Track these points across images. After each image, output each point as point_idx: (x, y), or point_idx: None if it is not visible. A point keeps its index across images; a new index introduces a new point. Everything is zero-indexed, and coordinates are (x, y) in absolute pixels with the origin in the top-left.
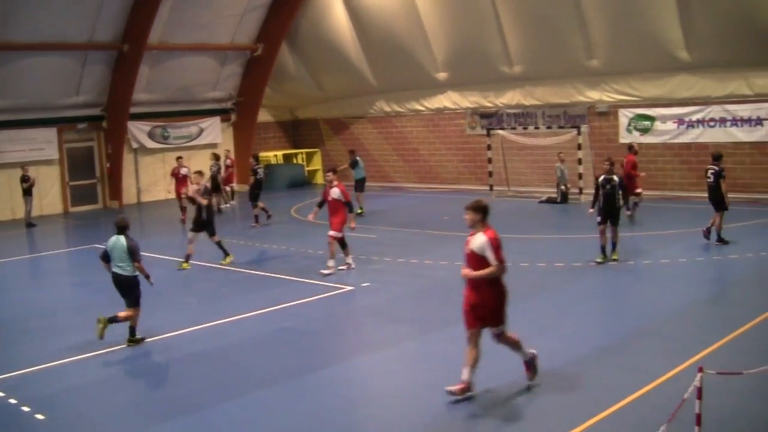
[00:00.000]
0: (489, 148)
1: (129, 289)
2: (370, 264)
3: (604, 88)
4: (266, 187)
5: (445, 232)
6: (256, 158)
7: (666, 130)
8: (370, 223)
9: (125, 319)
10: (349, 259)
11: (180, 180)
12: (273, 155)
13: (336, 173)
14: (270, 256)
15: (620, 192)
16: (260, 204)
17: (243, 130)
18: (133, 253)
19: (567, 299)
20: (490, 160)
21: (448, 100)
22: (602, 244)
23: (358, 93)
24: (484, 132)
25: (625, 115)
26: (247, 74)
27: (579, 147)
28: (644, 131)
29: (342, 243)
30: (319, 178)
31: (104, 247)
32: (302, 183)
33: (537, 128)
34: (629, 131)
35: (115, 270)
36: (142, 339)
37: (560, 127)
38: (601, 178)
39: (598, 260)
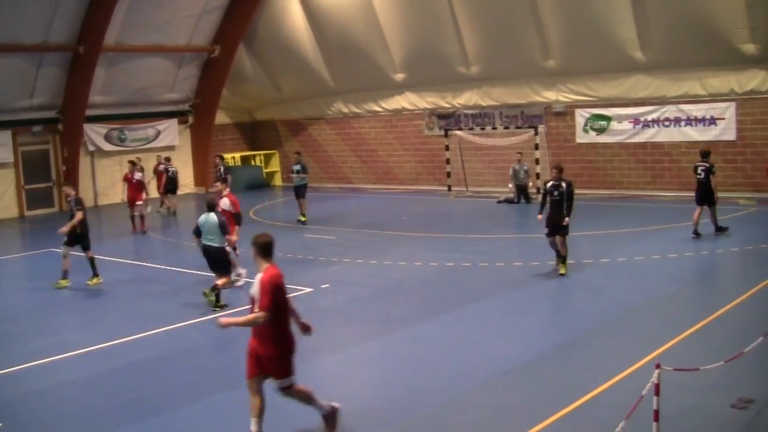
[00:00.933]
0: (447, 148)
1: (218, 259)
2: (329, 265)
3: (560, 88)
4: None
5: (403, 233)
6: (222, 158)
7: (622, 129)
8: (328, 224)
9: (223, 286)
10: (239, 270)
11: (133, 186)
12: (231, 157)
13: (225, 182)
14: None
15: (567, 201)
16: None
17: (200, 132)
18: (222, 228)
19: (524, 299)
20: (448, 161)
21: (405, 100)
22: (555, 250)
23: (316, 94)
24: (442, 133)
25: (581, 115)
26: (204, 76)
27: (536, 147)
28: (600, 131)
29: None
30: (278, 180)
31: (196, 224)
32: (261, 185)
33: (495, 128)
34: (585, 131)
35: (206, 243)
36: (226, 305)
37: (518, 128)
38: (549, 184)
39: (560, 271)
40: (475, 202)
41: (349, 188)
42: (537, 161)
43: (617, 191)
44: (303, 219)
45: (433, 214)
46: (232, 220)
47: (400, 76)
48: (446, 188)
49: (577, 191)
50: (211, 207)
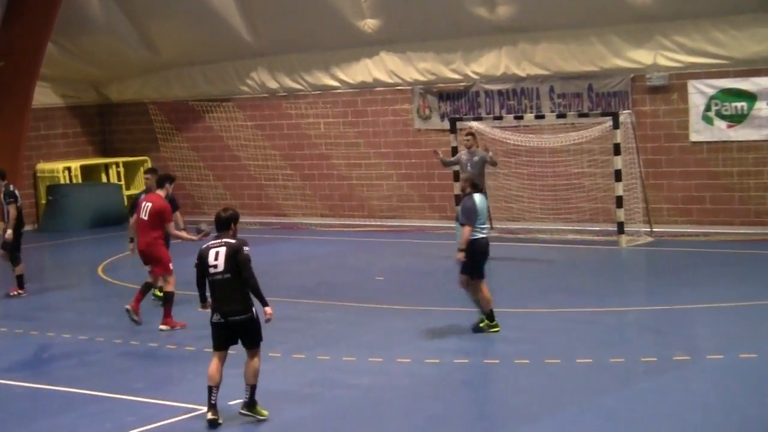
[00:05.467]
0: (455, 152)
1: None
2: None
3: (660, 42)
4: (51, 225)
5: (378, 305)
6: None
7: None
8: None
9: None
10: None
11: None
12: (63, 168)
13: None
14: (60, 354)
15: None
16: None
17: (6, 120)
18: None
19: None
20: (457, 176)
21: (380, 68)
22: None
23: (220, 56)
24: (446, 125)
25: (700, 91)
26: (11, 20)
27: (616, 150)
28: (736, 119)
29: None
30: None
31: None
32: (119, 217)
33: (540, 116)
34: (708, 120)
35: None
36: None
37: (582, 115)
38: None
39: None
40: (505, 249)
41: (282, 224)
42: (617, 175)
43: None
44: (159, 294)
45: (431, 271)
46: None
47: (370, 25)
48: (455, 225)
49: (691, 227)
50: (476, 187)
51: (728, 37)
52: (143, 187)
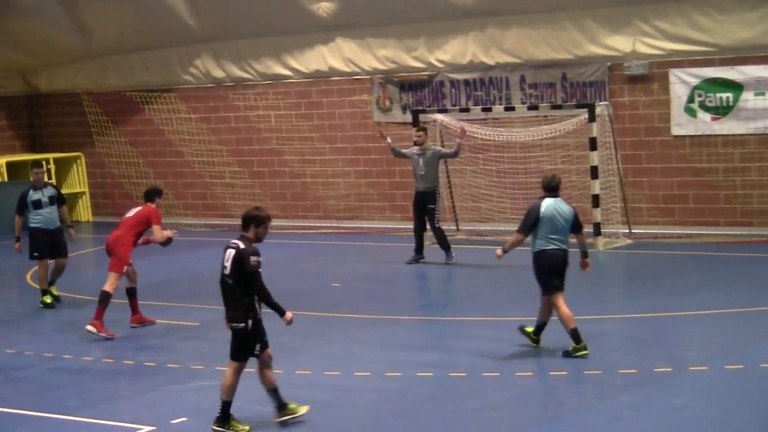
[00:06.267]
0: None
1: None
2: (188, 379)
3: (639, 28)
4: None
5: (334, 314)
6: None
7: (766, 108)
8: (187, 299)
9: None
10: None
11: None
12: None
13: None
14: None
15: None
16: None
17: None
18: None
19: None
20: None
21: (336, 55)
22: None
23: (161, 42)
24: (408, 118)
25: (682, 81)
26: None
27: (592, 144)
28: (721, 111)
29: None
30: (84, 210)
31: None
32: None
33: (510, 108)
34: (691, 112)
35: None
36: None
37: (555, 107)
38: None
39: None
40: (472, 253)
41: (229, 227)
42: (594, 171)
43: (758, 230)
44: (48, 300)
45: (393, 278)
46: None
47: (325, 8)
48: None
49: (673, 228)
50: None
51: (713, 22)
52: (82, 189)
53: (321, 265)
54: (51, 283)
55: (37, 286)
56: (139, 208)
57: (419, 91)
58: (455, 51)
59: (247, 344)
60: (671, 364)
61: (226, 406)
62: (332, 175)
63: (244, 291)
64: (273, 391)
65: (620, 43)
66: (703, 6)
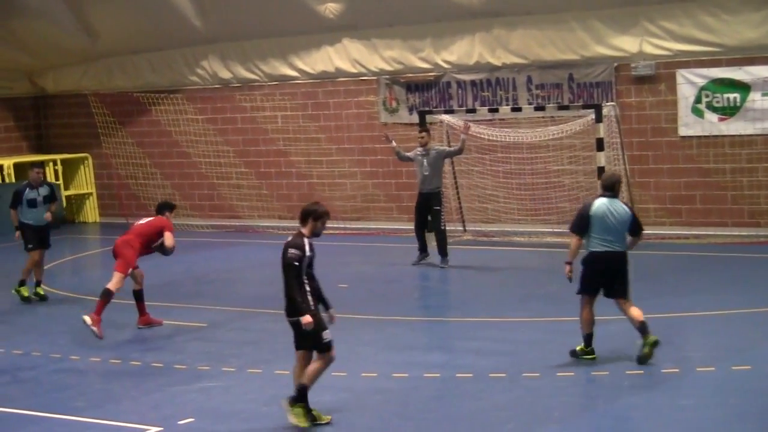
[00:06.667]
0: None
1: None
2: (195, 379)
3: (646, 28)
4: None
5: (340, 315)
6: None
7: None
8: (194, 299)
9: None
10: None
11: None
12: None
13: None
14: None
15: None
16: None
17: None
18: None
19: None
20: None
21: (343, 56)
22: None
23: (167, 43)
24: (414, 118)
25: (689, 81)
26: None
27: (599, 145)
28: (729, 111)
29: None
30: (91, 211)
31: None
32: (56, 220)
33: (517, 109)
34: (698, 113)
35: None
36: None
37: (562, 107)
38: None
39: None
40: (479, 254)
41: (235, 228)
42: (600, 172)
43: (765, 231)
44: (25, 293)
45: (399, 279)
46: None
47: (332, 9)
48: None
49: (680, 229)
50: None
51: (720, 23)
52: (90, 190)
53: (327, 266)
54: (38, 284)
55: (47, 288)
56: (151, 218)
57: (426, 91)
58: (462, 52)
59: (305, 335)
60: (678, 365)
61: (300, 390)
62: (339, 176)
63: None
64: (300, 386)
65: (627, 43)
66: (710, 6)
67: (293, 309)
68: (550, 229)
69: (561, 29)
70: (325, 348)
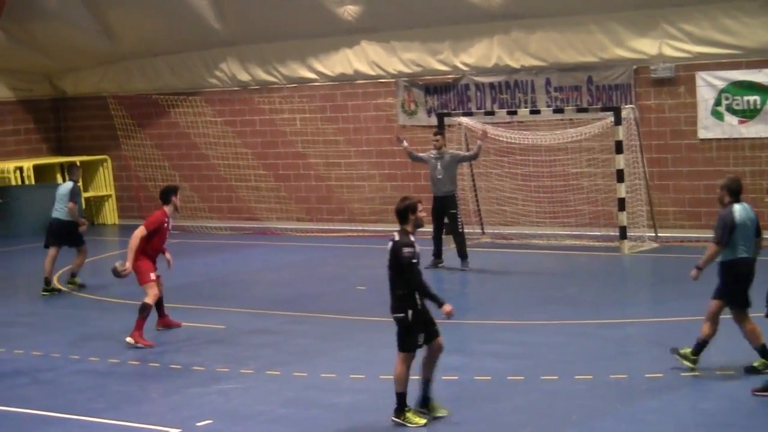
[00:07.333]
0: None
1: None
2: (213, 381)
3: (666, 30)
4: (1, 231)
5: (359, 317)
6: None
7: None
8: (212, 300)
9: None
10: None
11: None
12: (14, 168)
13: None
14: (10, 372)
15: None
16: None
17: None
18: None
19: None
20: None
21: (361, 58)
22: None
23: (186, 46)
24: (433, 121)
25: (709, 84)
26: None
27: (618, 147)
28: (748, 114)
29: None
30: (110, 212)
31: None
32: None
33: (536, 112)
34: (717, 115)
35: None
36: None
37: (581, 110)
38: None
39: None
40: (497, 256)
41: (254, 230)
42: (619, 175)
43: None
44: (59, 286)
45: None
46: None
47: (350, 11)
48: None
49: (699, 232)
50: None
51: (740, 25)
52: (109, 192)
53: (345, 268)
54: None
55: (64, 288)
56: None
57: (444, 94)
58: (480, 54)
59: (410, 334)
60: (697, 369)
61: (400, 397)
62: (357, 178)
63: (399, 282)
64: (425, 382)
65: (646, 46)
66: (730, 9)
67: (399, 306)
68: (569, 232)
69: (580, 31)
70: (403, 346)
